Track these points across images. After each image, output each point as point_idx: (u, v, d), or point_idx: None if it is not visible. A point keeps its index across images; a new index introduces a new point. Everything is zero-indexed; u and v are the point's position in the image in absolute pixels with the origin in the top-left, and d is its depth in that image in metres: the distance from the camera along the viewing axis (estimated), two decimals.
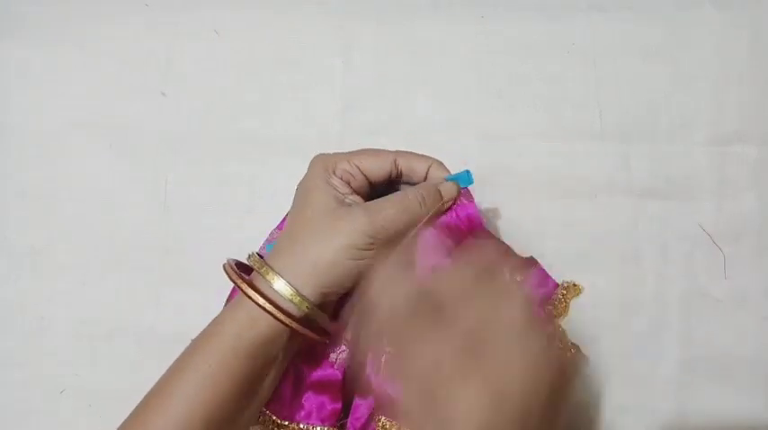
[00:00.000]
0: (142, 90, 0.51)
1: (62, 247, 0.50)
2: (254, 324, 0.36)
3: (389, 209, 0.37)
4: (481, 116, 0.50)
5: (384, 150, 0.40)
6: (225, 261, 0.38)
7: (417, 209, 0.38)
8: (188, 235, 0.50)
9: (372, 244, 0.36)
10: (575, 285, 0.43)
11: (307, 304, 0.36)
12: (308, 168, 0.40)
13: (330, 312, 0.39)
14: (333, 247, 0.36)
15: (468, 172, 0.41)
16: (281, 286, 0.35)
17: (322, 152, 0.41)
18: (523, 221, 0.48)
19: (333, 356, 0.42)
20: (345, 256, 0.36)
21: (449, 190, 0.40)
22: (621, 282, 0.48)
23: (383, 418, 0.42)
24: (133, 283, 0.50)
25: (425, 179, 0.40)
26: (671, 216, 0.49)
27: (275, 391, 0.43)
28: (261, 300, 0.35)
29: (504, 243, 0.42)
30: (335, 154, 0.40)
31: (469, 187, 0.41)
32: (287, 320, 0.35)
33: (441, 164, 0.41)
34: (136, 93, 0.51)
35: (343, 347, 0.42)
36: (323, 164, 0.39)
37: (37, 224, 0.51)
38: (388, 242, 0.37)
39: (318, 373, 0.43)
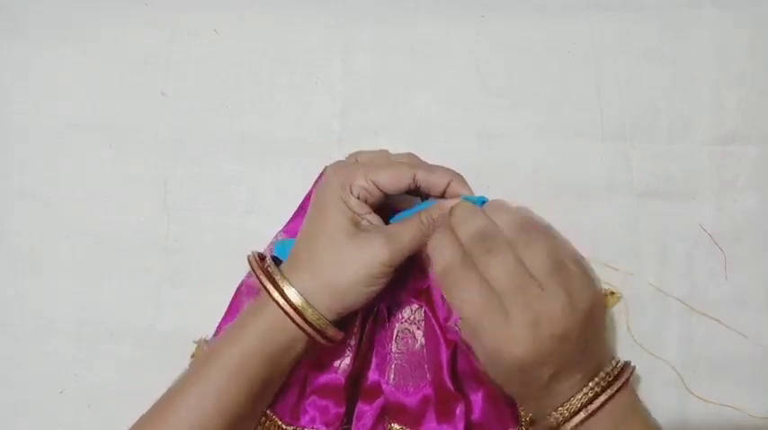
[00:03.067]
0: (142, 90, 0.51)
1: (62, 247, 0.50)
2: (274, 333, 0.37)
3: (407, 238, 0.38)
4: (481, 116, 0.50)
5: (403, 165, 0.41)
6: (250, 254, 0.40)
7: (431, 235, 0.39)
8: (188, 235, 0.50)
9: (389, 272, 0.38)
10: (612, 293, 0.44)
11: (322, 321, 0.37)
12: (324, 182, 0.41)
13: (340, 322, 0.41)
14: (351, 276, 0.37)
15: (483, 199, 0.41)
16: (297, 301, 0.37)
17: (339, 160, 0.41)
18: None
19: (336, 362, 0.43)
20: (363, 285, 0.38)
21: None
22: (621, 282, 0.48)
23: (394, 424, 0.42)
24: (133, 283, 0.50)
25: (444, 194, 0.41)
26: (671, 216, 0.49)
27: (280, 395, 0.43)
28: (287, 307, 0.37)
29: None
30: (353, 167, 0.40)
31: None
32: (309, 329, 0.37)
33: (461, 179, 0.41)
34: (136, 93, 0.51)
35: (347, 352, 0.42)
36: (340, 180, 0.39)
37: (37, 224, 0.51)
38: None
39: (322, 378, 0.43)
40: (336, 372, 0.42)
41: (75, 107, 0.51)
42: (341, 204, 0.39)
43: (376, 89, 0.51)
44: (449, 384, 0.41)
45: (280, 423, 0.43)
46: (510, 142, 0.50)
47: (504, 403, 0.42)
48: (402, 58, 0.51)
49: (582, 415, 0.35)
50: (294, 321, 0.37)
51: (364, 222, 0.39)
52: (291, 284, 0.37)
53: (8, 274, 0.50)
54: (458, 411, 0.42)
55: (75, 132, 0.51)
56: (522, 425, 0.42)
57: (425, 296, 0.43)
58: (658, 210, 0.49)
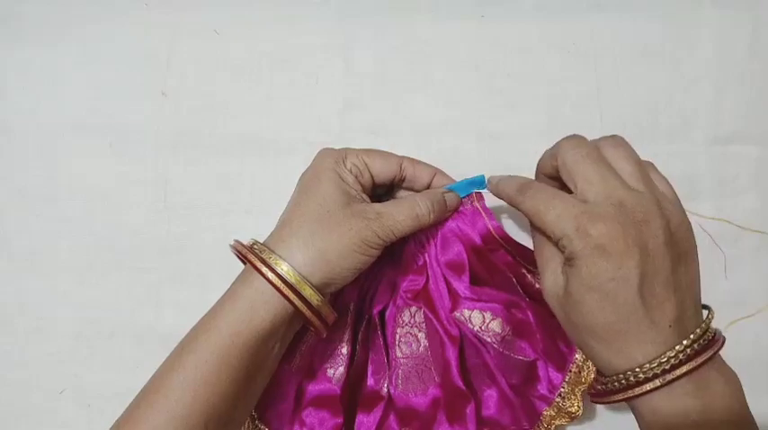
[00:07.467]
0: (142, 90, 0.51)
1: (62, 247, 0.50)
2: (255, 314, 0.35)
3: (401, 215, 0.38)
4: (481, 116, 0.50)
5: (390, 153, 0.41)
6: (232, 241, 0.38)
7: (426, 218, 0.39)
8: (188, 235, 0.50)
9: (380, 244, 0.37)
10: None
11: (318, 298, 0.36)
12: (316, 159, 0.40)
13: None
14: (346, 240, 0.36)
15: (482, 176, 0.41)
16: (292, 277, 0.35)
17: (326, 147, 0.41)
18: (524, 222, 0.48)
19: (330, 371, 0.42)
20: (356, 250, 0.36)
21: (453, 200, 0.41)
22: None
23: None
24: (133, 283, 0.50)
25: (428, 187, 0.42)
26: None
27: (276, 409, 0.42)
28: (270, 275, 0.35)
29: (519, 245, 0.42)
30: (345, 148, 0.40)
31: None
32: (297, 301, 0.35)
33: (444, 174, 0.42)
34: (136, 93, 0.51)
35: (340, 361, 0.42)
36: (333, 156, 0.39)
37: (37, 224, 0.51)
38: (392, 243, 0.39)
39: (317, 388, 0.42)
40: (331, 382, 0.42)
41: (75, 107, 0.51)
42: (336, 178, 0.38)
43: (376, 89, 0.51)
44: (459, 383, 0.41)
45: None
46: (510, 142, 0.50)
47: (517, 400, 0.42)
48: (402, 58, 0.51)
49: (657, 382, 0.31)
50: (290, 300, 0.35)
51: (358, 197, 0.39)
52: (284, 260, 0.35)
53: (8, 274, 0.50)
54: (468, 411, 0.41)
55: (75, 132, 0.51)
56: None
57: (423, 296, 0.43)
58: None
